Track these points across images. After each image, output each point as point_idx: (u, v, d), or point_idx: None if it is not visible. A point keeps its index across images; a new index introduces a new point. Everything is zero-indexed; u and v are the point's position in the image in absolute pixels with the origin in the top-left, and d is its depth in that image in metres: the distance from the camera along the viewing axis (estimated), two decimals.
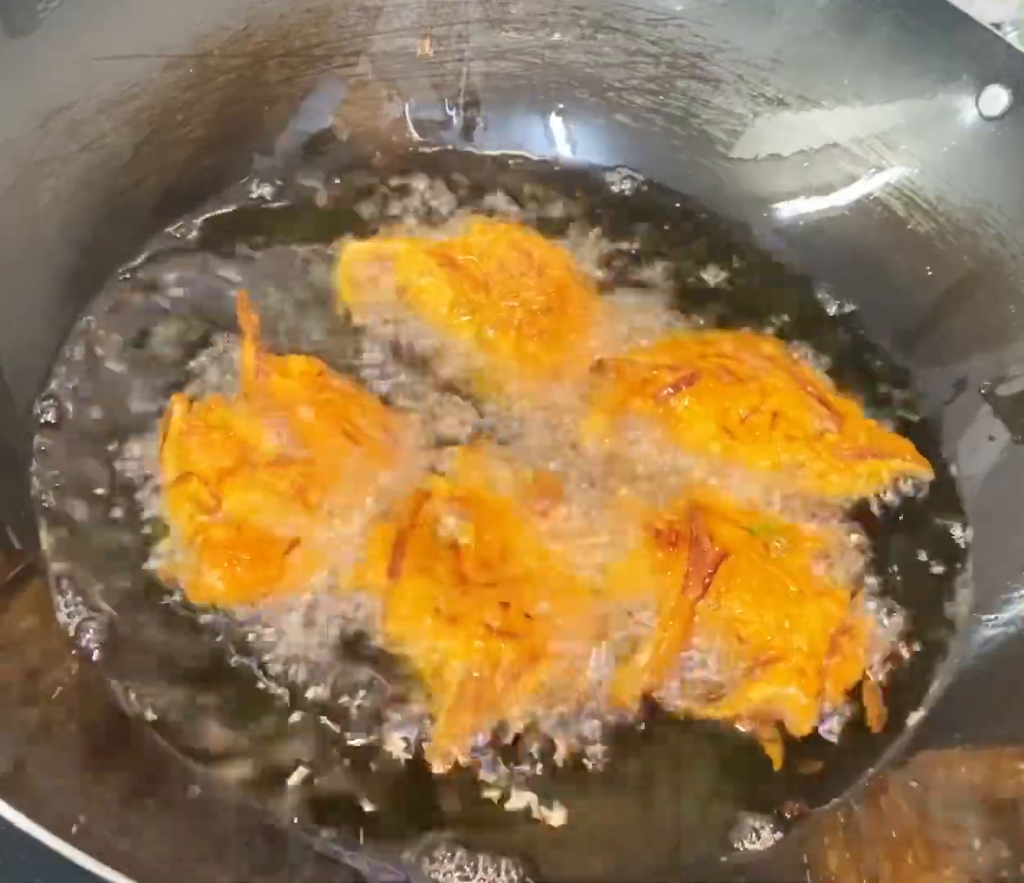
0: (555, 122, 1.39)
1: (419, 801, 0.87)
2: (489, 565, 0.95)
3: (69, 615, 0.91)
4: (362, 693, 0.90)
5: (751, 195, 1.35)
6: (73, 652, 0.89)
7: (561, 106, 1.39)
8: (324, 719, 0.89)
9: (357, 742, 0.88)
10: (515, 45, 1.36)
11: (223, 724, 0.88)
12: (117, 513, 0.98)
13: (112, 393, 1.06)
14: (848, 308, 1.28)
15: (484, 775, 0.88)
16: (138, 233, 1.18)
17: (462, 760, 0.88)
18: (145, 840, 0.78)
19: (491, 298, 1.15)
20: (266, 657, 0.91)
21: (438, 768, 0.87)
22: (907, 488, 1.11)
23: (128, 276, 1.15)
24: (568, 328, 1.15)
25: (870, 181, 1.29)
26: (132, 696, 0.88)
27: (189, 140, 1.22)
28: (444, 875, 0.83)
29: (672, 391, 1.08)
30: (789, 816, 0.89)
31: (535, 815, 0.87)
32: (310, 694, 0.90)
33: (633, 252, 1.28)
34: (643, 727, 0.92)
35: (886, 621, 1.02)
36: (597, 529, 1.00)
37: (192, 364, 1.09)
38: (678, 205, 1.36)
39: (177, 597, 0.93)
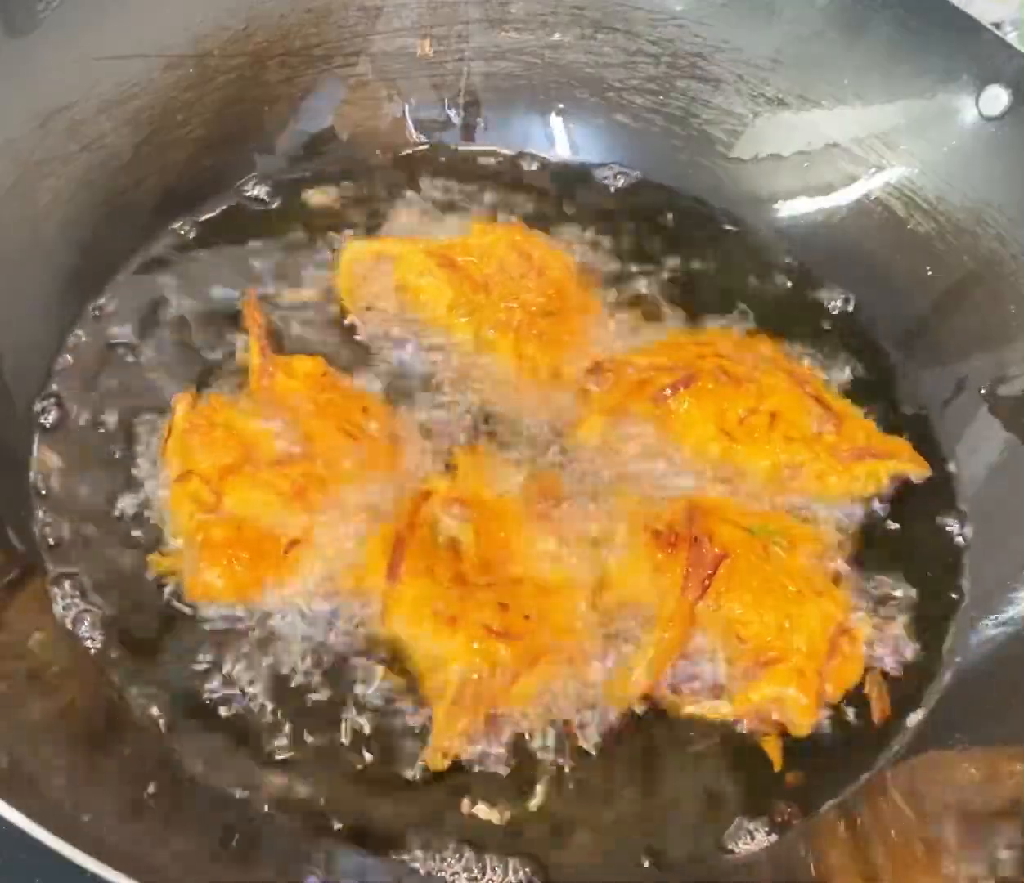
0: (555, 122, 1.39)
1: (422, 802, 0.87)
2: (488, 566, 0.95)
3: (69, 614, 0.91)
4: (361, 693, 0.90)
5: (751, 195, 1.35)
6: (73, 651, 0.89)
7: (561, 106, 1.39)
8: (323, 719, 0.89)
9: (357, 743, 0.88)
10: (515, 45, 1.36)
11: (223, 723, 0.88)
12: (117, 513, 0.98)
13: (112, 393, 1.06)
14: (848, 308, 1.28)
15: (484, 775, 0.88)
16: (138, 233, 1.18)
17: (462, 760, 0.88)
18: (145, 839, 0.78)
19: (490, 299, 1.15)
20: (266, 656, 0.91)
21: (437, 768, 0.87)
22: (906, 488, 1.11)
23: (128, 276, 1.15)
24: (567, 329, 1.15)
25: (870, 181, 1.29)
26: (131, 694, 0.88)
27: (189, 140, 1.22)
28: (452, 876, 0.84)
29: (670, 392, 1.08)
30: (781, 819, 0.89)
31: (533, 815, 0.87)
32: (309, 694, 0.90)
33: (632, 252, 1.28)
34: (642, 728, 0.92)
35: (885, 621, 1.02)
36: (596, 530, 1.00)
37: (193, 364, 1.09)
38: (678, 205, 1.36)
39: (177, 595, 0.93)
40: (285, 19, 1.27)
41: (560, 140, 1.39)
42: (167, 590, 0.94)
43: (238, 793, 0.85)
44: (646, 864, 0.87)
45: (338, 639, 0.93)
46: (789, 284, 1.30)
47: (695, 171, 1.36)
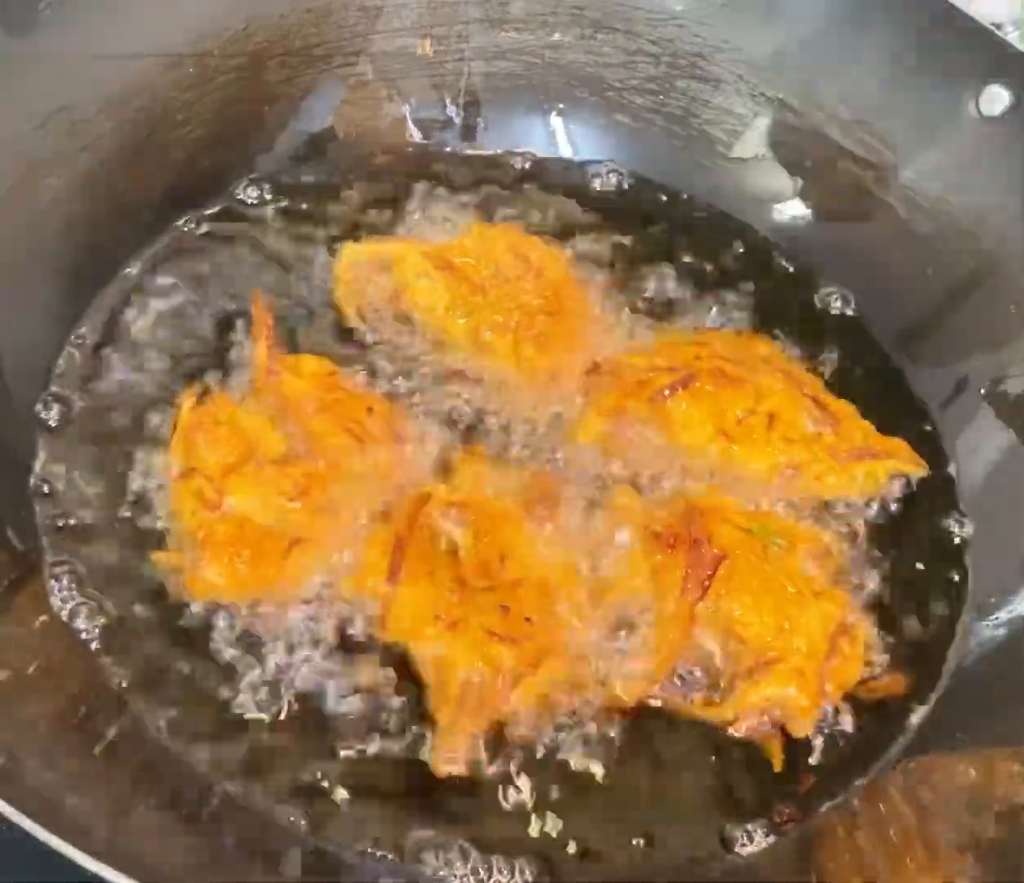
0: (555, 122, 1.39)
1: (425, 805, 0.87)
2: (488, 569, 0.95)
3: (69, 613, 0.91)
4: (362, 696, 0.90)
5: (751, 195, 1.35)
6: (73, 650, 0.89)
7: (561, 106, 1.38)
8: (324, 721, 0.89)
9: (358, 745, 0.88)
10: (515, 45, 1.36)
11: (223, 722, 0.88)
12: (117, 512, 0.98)
13: (112, 393, 1.06)
14: (848, 308, 1.28)
15: (488, 778, 0.88)
16: (138, 233, 1.18)
17: (465, 763, 0.88)
18: (145, 839, 0.78)
19: (488, 300, 1.14)
20: (265, 656, 0.91)
21: (441, 772, 0.87)
22: (906, 488, 1.11)
23: (128, 276, 1.16)
24: (565, 330, 1.15)
25: (870, 181, 1.29)
26: (131, 692, 0.88)
27: (189, 140, 1.22)
28: (460, 878, 0.84)
29: (669, 393, 1.08)
30: (779, 820, 0.90)
31: (538, 817, 0.87)
32: (310, 695, 0.90)
33: (631, 252, 1.28)
34: (643, 729, 0.92)
35: (885, 622, 1.02)
36: (595, 532, 1.00)
37: (195, 363, 1.09)
38: (678, 205, 1.35)
39: (178, 593, 0.93)
40: (285, 19, 1.26)
41: (560, 140, 1.39)
42: (168, 587, 0.94)
43: (241, 793, 0.85)
44: (646, 864, 0.87)
45: (338, 640, 0.93)
46: (789, 284, 1.30)
47: (695, 171, 1.36)
